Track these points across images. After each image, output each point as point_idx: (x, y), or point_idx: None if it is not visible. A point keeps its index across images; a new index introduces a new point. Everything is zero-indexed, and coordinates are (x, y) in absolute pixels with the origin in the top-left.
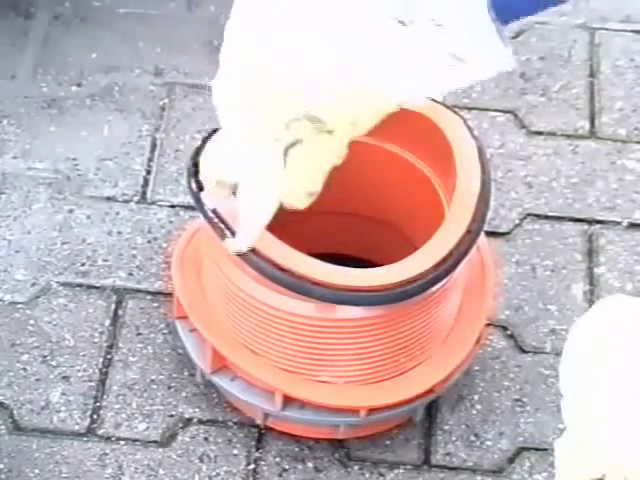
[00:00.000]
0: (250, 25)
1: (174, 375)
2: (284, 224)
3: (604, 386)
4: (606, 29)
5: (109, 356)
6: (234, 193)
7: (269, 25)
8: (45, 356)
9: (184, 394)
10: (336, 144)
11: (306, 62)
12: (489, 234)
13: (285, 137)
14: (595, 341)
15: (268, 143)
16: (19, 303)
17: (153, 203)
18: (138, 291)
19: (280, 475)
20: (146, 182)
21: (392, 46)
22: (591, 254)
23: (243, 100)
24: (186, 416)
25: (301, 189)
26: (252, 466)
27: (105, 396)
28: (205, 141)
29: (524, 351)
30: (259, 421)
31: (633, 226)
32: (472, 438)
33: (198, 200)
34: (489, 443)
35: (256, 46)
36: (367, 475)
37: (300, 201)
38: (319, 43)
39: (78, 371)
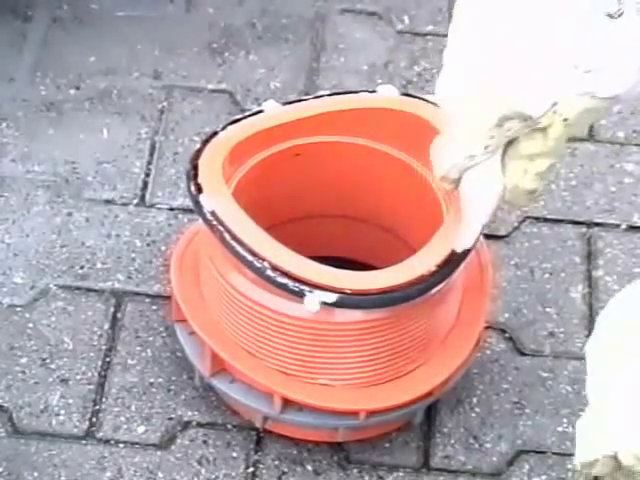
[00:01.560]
0: (474, 22)
1: (173, 378)
2: (283, 227)
3: (630, 368)
4: None
5: (108, 359)
6: (457, 187)
7: (490, 23)
8: (44, 359)
9: (183, 397)
10: (551, 143)
11: (517, 59)
12: (488, 237)
13: (499, 134)
14: (625, 324)
15: (485, 139)
16: (18, 306)
17: (152, 206)
18: (137, 294)
19: (279, 478)
20: (145, 185)
21: (601, 41)
22: (590, 257)
23: (464, 94)
24: (185, 419)
25: (521, 188)
26: (251, 469)
27: (104, 399)
28: (204, 144)
29: (523, 354)
30: (258, 424)
31: (632, 229)
32: (471, 441)
33: (197, 203)
34: (488, 446)
35: (478, 43)
36: (366, 478)
37: (521, 200)
38: (532, 41)
39: (77, 374)
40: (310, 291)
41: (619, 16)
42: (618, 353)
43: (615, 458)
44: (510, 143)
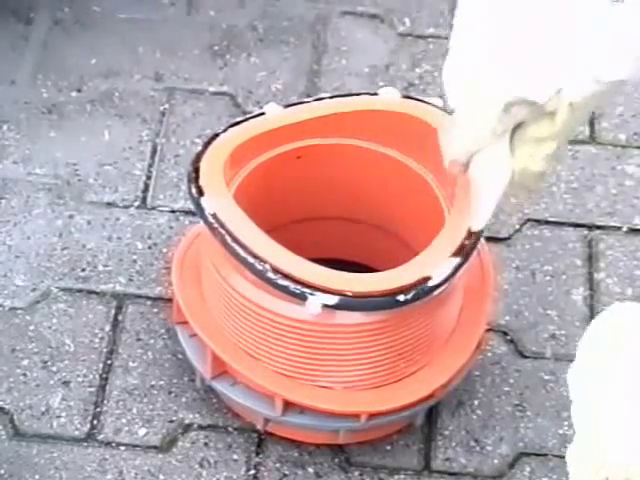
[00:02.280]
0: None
1: (174, 380)
2: (284, 229)
3: (614, 391)
4: None
5: (109, 361)
6: (466, 171)
7: (495, 9)
8: (45, 361)
9: (184, 399)
10: (558, 127)
11: (522, 44)
12: (489, 239)
13: (506, 119)
14: (606, 348)
15: (493, 124)
16: (19, 309)
17: (153, 208)
18: (138, 296)
19: None
20: (146, 187)
21: (604, 26)
22: (591, 259)
23: (470, 80)
24: (186, 421)
25: (530, 170)
26: (252, 471)
27: (105, 401)
28: (205, 146)
29: (524, 356)
30: (259, 426)
31: (633, 231)
32: (472, 443)
33: (198, 205)
34: (489, 448)
35: (483, 28)
36: None
37: (530, 182)
38: (536, 27)
39: (78, 376)
40: (311, 293)
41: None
42: (601, 378)
43: None
44: (518, 126)
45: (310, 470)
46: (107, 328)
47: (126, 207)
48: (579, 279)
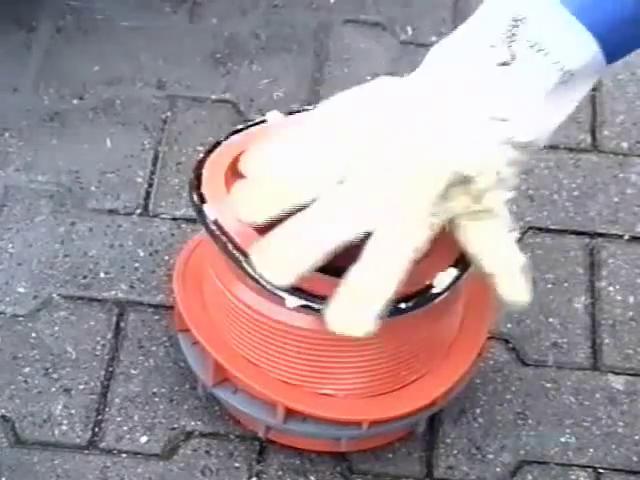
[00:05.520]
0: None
1: (176, 388)
2: None
3: None
4: None
5: (111, 369)
6: None
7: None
8: (47, 369)
9: (186, 407)
10: (492, 209)
11: (445, 120)
12: None
13: (441, 210)
14: None
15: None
16: (20, 316)
17: (155, 216)
18: (140, 304)
19: None
20: (148, 195)
21: (502, 89)
22: (593, 267)
23: (386, 183)
24: (188, 429)
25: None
26: (254, 479)
27: (107, 409)
28: (207, 153)
29: (526, 364)
30: (261, 434)
31: (635, 239)
32: (474, 451)
33: (200, 212)
34: (491, 456)
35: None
36: None
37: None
38: (450, 99)
39: (80, 384)
40: (313, 301)
41: (512, 61)
42: None
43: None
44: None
45: (312, 478)
46: (109, 335)
47: (128, 214)
48: (581, 287)
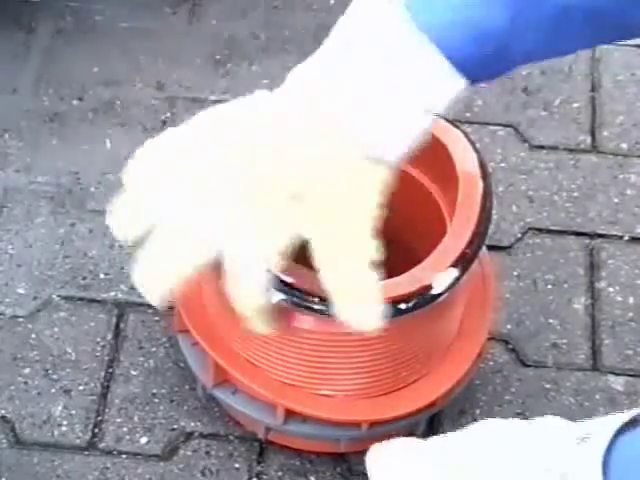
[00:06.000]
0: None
1: (175, 389)
2: None
3: None
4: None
5: (111, 370)
6: None
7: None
8: (46, 370)
9: (185, 408)
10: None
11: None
12: (490, 248)
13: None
14: None
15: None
16: (20, 317)
17: None
18: (140, 305)
19: None
20: None
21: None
22: (593, 268)
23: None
24: (187, 430)
25: None
26: None
27: (107, 410)
28: None
29: (525, 365)
30: (260, 435)
31: (635, 240)
32: None
33: None
34: None
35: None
36: None
37: None
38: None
39: (80, 385)
40: (313, 302)
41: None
42: None
43: None
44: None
45: (312, 479)
46: (109, 336)
47: None
48: (581, 288)
